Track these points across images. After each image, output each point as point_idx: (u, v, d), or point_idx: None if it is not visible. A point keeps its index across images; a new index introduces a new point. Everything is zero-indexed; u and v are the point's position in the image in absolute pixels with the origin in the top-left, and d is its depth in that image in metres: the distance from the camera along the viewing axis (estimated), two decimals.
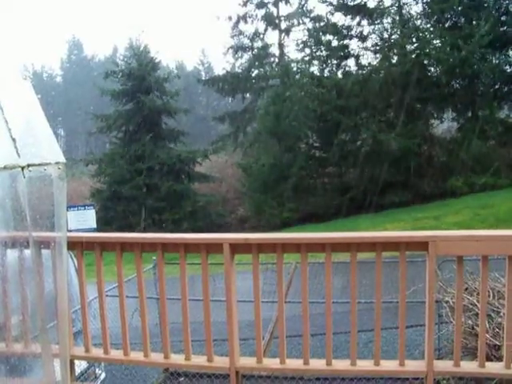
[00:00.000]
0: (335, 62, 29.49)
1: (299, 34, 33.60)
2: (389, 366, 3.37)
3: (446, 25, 26.95)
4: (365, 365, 3.42)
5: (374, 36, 28.82)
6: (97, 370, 7.24)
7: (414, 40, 26.72)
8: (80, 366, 6.12)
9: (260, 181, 27.09)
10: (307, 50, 30.32)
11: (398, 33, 27.28)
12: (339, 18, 29.71)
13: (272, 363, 3.51)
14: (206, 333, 3.47)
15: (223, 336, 3.59)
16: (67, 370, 2.49)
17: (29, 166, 2.01)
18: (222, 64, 59.47)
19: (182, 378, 8.22)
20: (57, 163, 2.14)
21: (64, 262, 2.37)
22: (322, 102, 26.47)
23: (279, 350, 3.41)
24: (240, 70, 35.64)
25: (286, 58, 33.86)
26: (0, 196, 2.09)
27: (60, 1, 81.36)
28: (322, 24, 30.03)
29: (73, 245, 3.41)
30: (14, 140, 2.06)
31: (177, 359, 3.61)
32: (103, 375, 7.45)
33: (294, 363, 3.53)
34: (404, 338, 3.26)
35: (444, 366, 3.50)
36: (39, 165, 2.07)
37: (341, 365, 3.44)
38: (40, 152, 2.15)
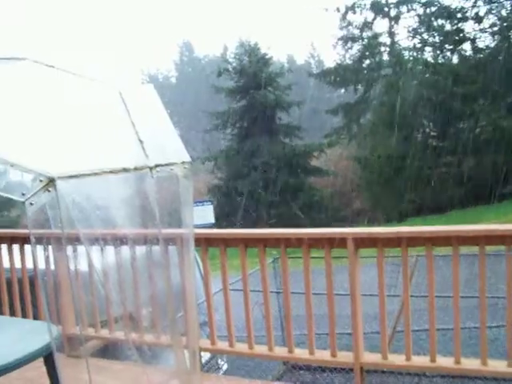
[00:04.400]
0: (449, 47, 28.32)
1: (410, 20, 32.38)
2: None
3: None
4: (497, 365, 3.21)
5: (491, 16, 27.36)
6: (219, 360, 7.45)
7: None
8: (203, 356, 6.32)
9: (376, 173, 26.61)
10: (419, 37, 29.33)
11: None
12: (452, 1, 28.52)
13: (397, 360, 3.42)
14: (329, 327, 3.46)
15: (339, 329, 3.56)
16: (196, 360, 2.56)
17: (156, 166, 2.09)
18: (332, 56, 58.96)
19: (303, 371, 8.27)
20: (182, 163, 2.21)
21: (191, 257, 2.45)
22: (438, 90, 25.52)
23: (405, 346, 3.32)
24: (351, 61, 35.07)
25: (397, 46, 32.90)
26: (130, 195, 2.18)
27: (169, 7, 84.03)
28: (433, 8, 28.89)
29: (197, 241, 3.51)
30: (141, 142, 2.15)
31: (301, 353, 3.63)
32: (225, 366, 7.64)
33: (420, 360, 3.42)
34: None
35: None
36: (166, 165, 2.15)
37: (471, 364, 3.26)
38: (166, 152, 2.23)
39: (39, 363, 2.81)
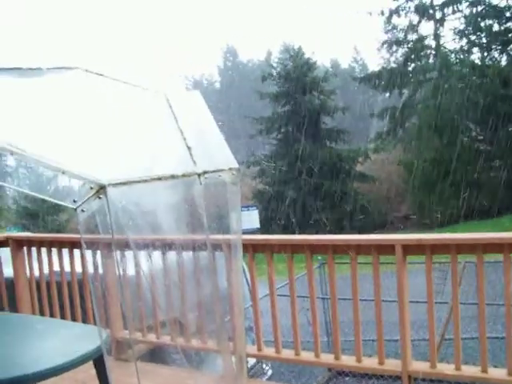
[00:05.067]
0: (498, 48, 27.68)
1: (455, 22, 31.86)
2: None
3: None
4: None
5: None
6: (264, 365, 7.44)
7: None
8: (249, 361, 6.33)
9: (422, 177, 26.22)
10: (465, 39, 28.78)
11: None
12: (500, 0, 27.84)
13: (446, 369, 3.34)
14: (377, 334, 3.41)
15: (385, 336, 3.51)
16: (243, 366, 2.56)
17: (204, 172, 2.10)
18: (376, 60, 58.32)
19: (348, 378, 8.18)
20: (230, 169, 2.21)
21: (239, 263, 2.46)
22: (485, 93, 24.99)
23: (454, 355, 3.25)
24: (395, 65, 34.71)
25: (442, 48, 32.37)
26: (178, 202, 2.20)
27: (212, 12, 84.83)
28: (480, 8, 28.32)
29: (244, 247, 3.52)
30: (189, 148, 2.16)
31: (348, 361, 3.59)
32: (270, 372, 7.63)
33: (471, 370, 3.32)
34: None
35: None
36: (214, 171, 2.16)
37: None
38: (214, 159, 2.24)
39: (89, 366, 2.86)
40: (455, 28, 30.62)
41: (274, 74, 31.43)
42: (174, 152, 2.22)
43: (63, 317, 4.52)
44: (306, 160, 28.05)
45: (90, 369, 2.89)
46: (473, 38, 28.29)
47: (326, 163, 28.04)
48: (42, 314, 4.70)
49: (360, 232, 22.89)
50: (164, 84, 2.54)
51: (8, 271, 4.81)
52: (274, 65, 35.53)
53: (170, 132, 2.26)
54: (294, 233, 24.29)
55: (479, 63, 27.63)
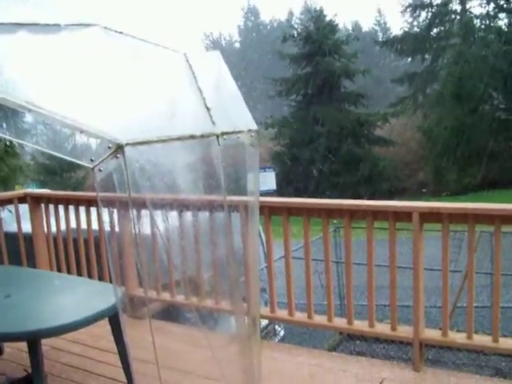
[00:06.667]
0: None
1: None
2: None
3: None
4: None
5: None
6: (276, 326, 7.52)
7: None
8: (261, 322, 6.39)
9: (441, 145, 25.95)
10: (493, 3, 28.03)
11: None
12: None
13: (458, 337, 3.34)
14: (390, 301, 3.42)
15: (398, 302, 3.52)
16: (256, 327, 2.58)
17: (223, 134, 2.08)
18: (399, 24, 57.27)
19: (359, 341, 8.26)
20: (249, 131, 2.19)
21: (256, 224, 2.46)
22: (510, 61, 24.46)
23: (466, 324, 3.24)
24: (419, 30, 34.05)
25: (468, 13, 31.61)
26: (196, 162, 2.19)
27: None
28: None
29: (261, 208, 3.49)
30: (208, 109, 2.14)
31: (361, 326, 3.60)
32: (282, 332, 7.72)
33: (482, 339, 3.35)
34: None
35: None
36: (233, 133, 2.14)
37: None
38: (233, 120, 2.21)
39: (105, 321, 2.91)
40: None
41: (295, 35, 30.99)
42: (193, 112, 2.19)
43: (80, 274, 4.58)
44: (325, 123, 27.86)
45: (105, 324, 2.94)
46: (501, 2, 27.51)
47: (345, 127, 27.82)
48: (59, 270, 4.77)
49: (376, 197, 22.83)
50: (183, 43, 2.51)
51: (26, 227, 4.86)
52: (296, 26, 35.00)
53: (189, 92, 2.23)
54: (310, 196, 24.29)
55: (506, 29, 26.96)
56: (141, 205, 1.92)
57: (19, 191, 5.27)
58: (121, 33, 2.28)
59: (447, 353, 7.32)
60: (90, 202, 4.47)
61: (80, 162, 1.84)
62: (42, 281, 3.56)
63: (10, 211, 5.03)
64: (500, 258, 3.09)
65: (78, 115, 1.75)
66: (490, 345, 3.24)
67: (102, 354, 3.70)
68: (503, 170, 24.85)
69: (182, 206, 2.51)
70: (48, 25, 2.09)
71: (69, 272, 4.66)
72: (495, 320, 3.17)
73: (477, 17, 29.61)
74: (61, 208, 4.72)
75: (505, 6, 27.76)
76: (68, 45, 2.12)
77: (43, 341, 2.85)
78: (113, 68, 2.13)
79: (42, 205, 4.87)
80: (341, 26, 35.42)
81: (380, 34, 55.69)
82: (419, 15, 34.59)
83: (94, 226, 4.48)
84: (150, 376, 2.68)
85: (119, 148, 1.70)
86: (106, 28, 2.25)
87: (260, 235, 5.65)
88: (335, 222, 8.54)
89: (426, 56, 33.90)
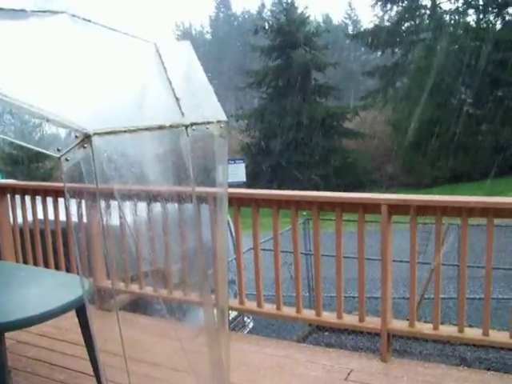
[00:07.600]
0: (494, 10, 27.36)
1: None
2: None
3: None
4: None
5: None
6: (245, 318, 7.54)
7: None
8: (230, 314, 6.40)
9: (410, 138, 26.25)
10: (462, 0, 28.39)
11: None
12: None
13: (424, 328, 3.40)
14: (358, 292, 3.45)
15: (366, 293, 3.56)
16: (225, 318, 2.58)
17: (192, 124, 2.07)
18: (370, 17, 57.51)
19: (328, 333, 8.33)
20: (218, 122, 2.18)
21: (224, 216, 2.45)
22: (478, 56, 24.83)
23: (433, 315, 3.30)
24: (389, 24, 34.29)
25: (438, 9, 31.96)
26: (165, 153, 2.17)
27: None
28: None
29: (230, 200, 3.49)
30: (177, 99, 2.12)
31: (328, 317, 3.63)
32: (251, 324, 7.74)
33: (448, 330, 3.40)
34: None
35: None
36: (202, 123, 2.12)
37: (499, 336, 3.23)
38: (202, 111, 2.20)
39: (72, 314, 2.87)
40: None
41: (267, 27, 30.98)
42: (162, 102, 2.17)
43: (46, 265, 4.52)
44: (295, 115, 27.94)
45: (73, 317, 2.90)
46: None
47: (315, 119, 27.96)
48: (25, 262, 4.69)
49: (346, 189, 23.00)
50: (154, 33, 2.47)
51: None
52: (267, 18, 34.97)
53: (158, 82, 2.21)
54: (280, 188, 24.36)
55: (474, 26, 27.34)
56: (109, 195, 1.89)
57: None
58: (89, 21, 2.24)
59: (414, 343, 7.43)
60: (57, 193, 4.40)
61: (46, 152, 1.80)
62: (7, 273, 3.50)
63: None
64: (466, 249, 3.14)
65: (44, 104, 1.71)
66: (456, 335, 3.29)
67: (70, 346, 3.66)
68: (471, 163, 25.25)
69: (150, 197, 2.50)
70: (13, 10, 2.04)
71: (35, 264, 4.59)
72: (461, 311, 3.22)
73: (446, 12, 29.99)
74: (28, 199, 4.65)
75: (473, 2, 28.12)
76: (34, 31, 2.08)
77: (8, 335, 2.81)
78: (81, 57, 2.09)
79: (8, 195, 4.78)
80: (312, 18, 35.46)
81: (351, 27, 55.97)
82: (390, 9, 34.85)
83: (62, 217, 4.43)
84: (118, 368, 2.65)
85: (86, 138, 1.67)
86: (73, 16, 2.21)
87: (229, 227, 5.64)
88: (304, 213, 8.59)
89: (397, 50, 34.18)
